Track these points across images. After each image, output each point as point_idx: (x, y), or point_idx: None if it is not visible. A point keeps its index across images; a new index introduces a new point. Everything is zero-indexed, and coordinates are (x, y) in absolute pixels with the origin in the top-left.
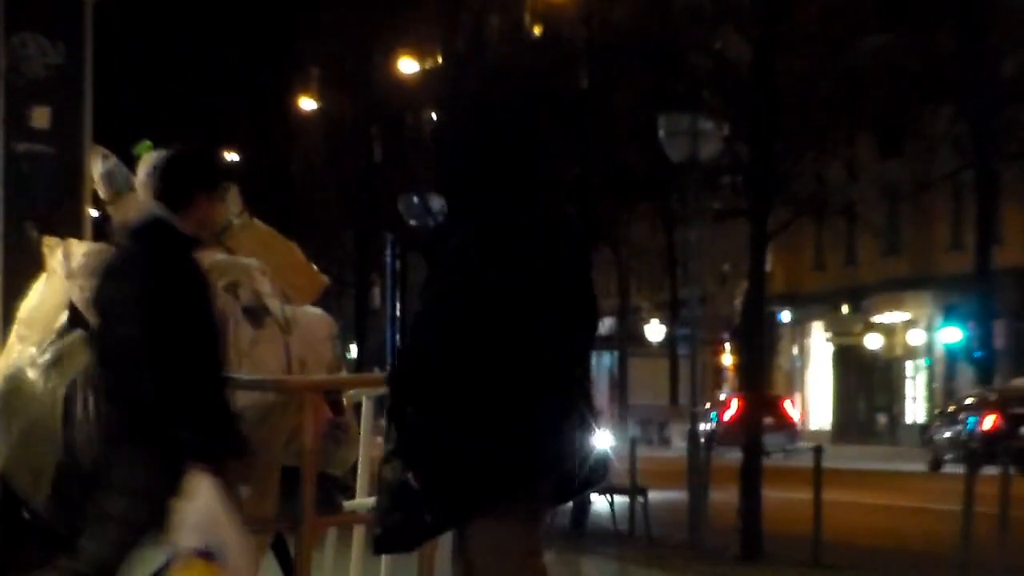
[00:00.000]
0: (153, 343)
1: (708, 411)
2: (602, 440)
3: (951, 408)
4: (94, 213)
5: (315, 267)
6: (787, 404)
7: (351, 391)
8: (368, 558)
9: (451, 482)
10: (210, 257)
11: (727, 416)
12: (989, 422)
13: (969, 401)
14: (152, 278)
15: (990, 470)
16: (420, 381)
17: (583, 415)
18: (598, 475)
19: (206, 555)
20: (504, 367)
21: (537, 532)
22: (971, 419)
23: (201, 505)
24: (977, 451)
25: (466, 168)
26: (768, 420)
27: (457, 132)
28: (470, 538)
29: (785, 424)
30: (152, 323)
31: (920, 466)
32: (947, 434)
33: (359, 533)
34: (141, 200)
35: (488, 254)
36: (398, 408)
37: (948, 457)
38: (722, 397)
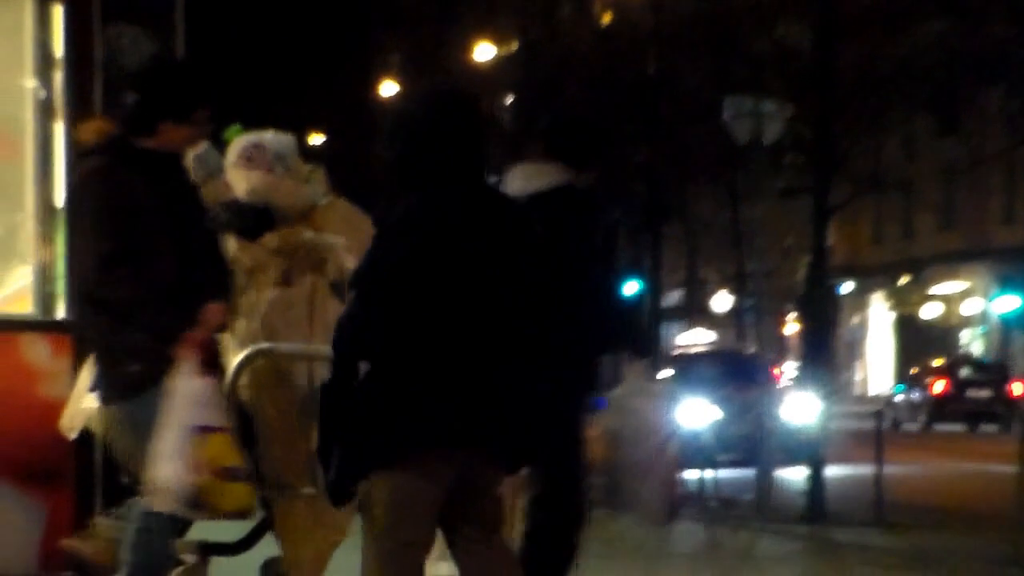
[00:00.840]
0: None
1: None
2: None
3: (913, 372)
4: None
5: None
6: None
7: None
8: None
9: (365, 437)
10: (298, 235)
11: None
12: (939, 386)
13: (935, 365)
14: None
15: (942, 427)
16: (343, 343)
17: (508, 391)
18: (532, 449)
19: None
20: (409, 338)
21: (438, 494)
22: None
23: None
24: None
25: (404, 154)
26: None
27: (402, 122)
28: (373, 484)
29: None
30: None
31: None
32: (914, 396)
33: None
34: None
35: (397, 232)
36: (336, 369)
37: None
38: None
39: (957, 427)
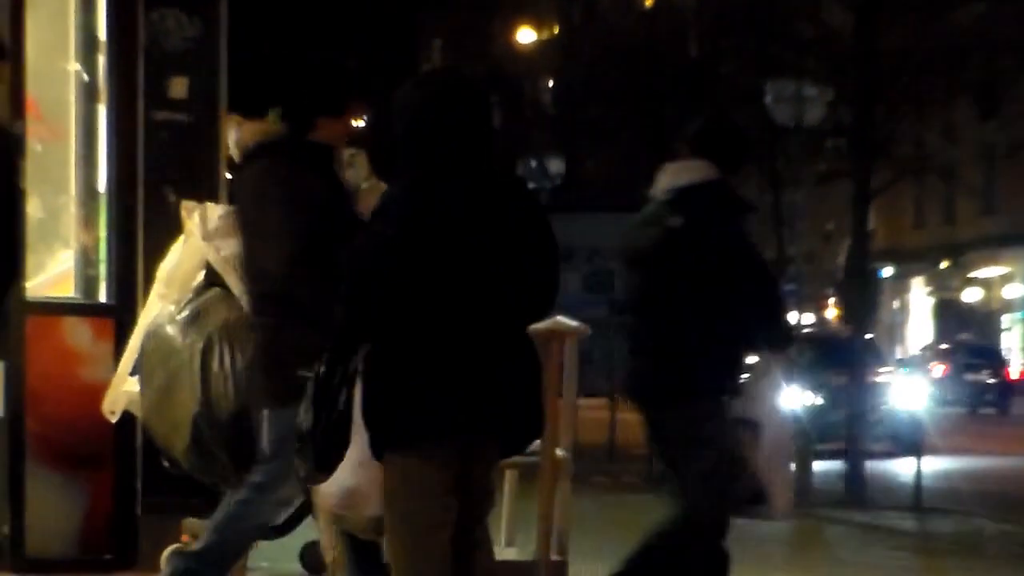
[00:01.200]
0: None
1: None
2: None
3: (919, 352)
4: (229, 177)
5: None
6: None
7: None
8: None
9: (372, 419)
10: None
11: None
12: (938, 370)
13: (943, 348)
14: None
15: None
16: (335, 324)
17: (514, 377)
18: (531, 434)
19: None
20: (401, 326)
21: (448, 476)
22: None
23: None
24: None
25: (403, 138)
26: None
27: (402, 106)
28: (384, 470)
29: None
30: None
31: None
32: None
33: (511, 476)
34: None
35: (385, 219)
36: (336, 347)
37: None
38: None
39: (956, 409)
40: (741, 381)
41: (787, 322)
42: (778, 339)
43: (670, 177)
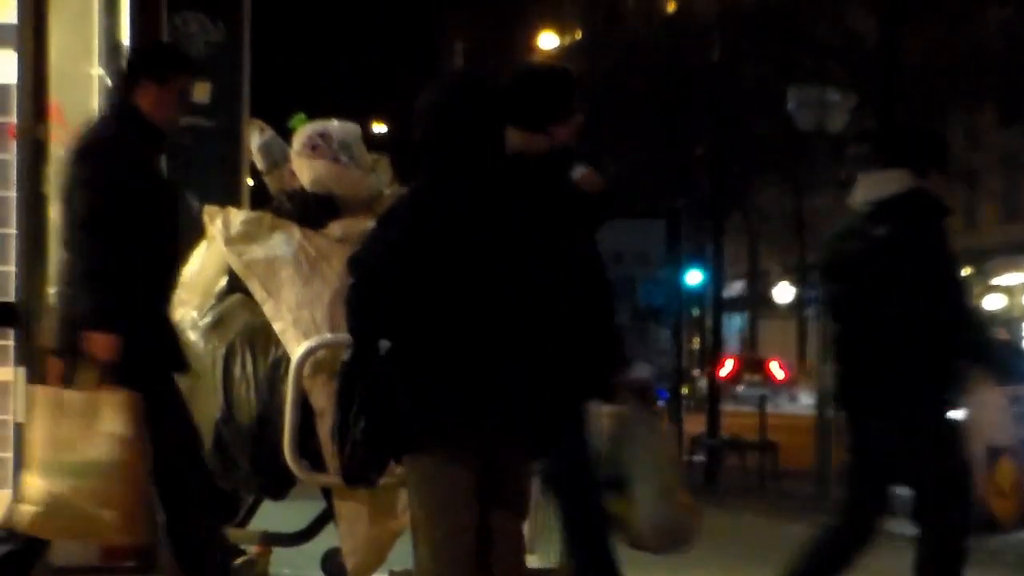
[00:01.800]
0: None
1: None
2: None
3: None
4: (251, 183)
5: None
6: (773, 365)
7: None
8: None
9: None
10: (363, 224)
11: (722, 374)
12: None
13: None
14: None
15: None
16: (348, 327)
17: (531, 377)
18: (551, 439)
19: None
20: (409, 325)
21: (469, 478)
22: None
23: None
24: None
25: (423, 140)
26: (755, 377)
27: (420, 108)
28: (408, 470)
29: (768, 381)
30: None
31: None
32: None
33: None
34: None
35: (395, 219)
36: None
37: None
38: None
39: None
40: (958, 391)
41: (986, 327)
42: (982, 347)
43: (867, 189)
